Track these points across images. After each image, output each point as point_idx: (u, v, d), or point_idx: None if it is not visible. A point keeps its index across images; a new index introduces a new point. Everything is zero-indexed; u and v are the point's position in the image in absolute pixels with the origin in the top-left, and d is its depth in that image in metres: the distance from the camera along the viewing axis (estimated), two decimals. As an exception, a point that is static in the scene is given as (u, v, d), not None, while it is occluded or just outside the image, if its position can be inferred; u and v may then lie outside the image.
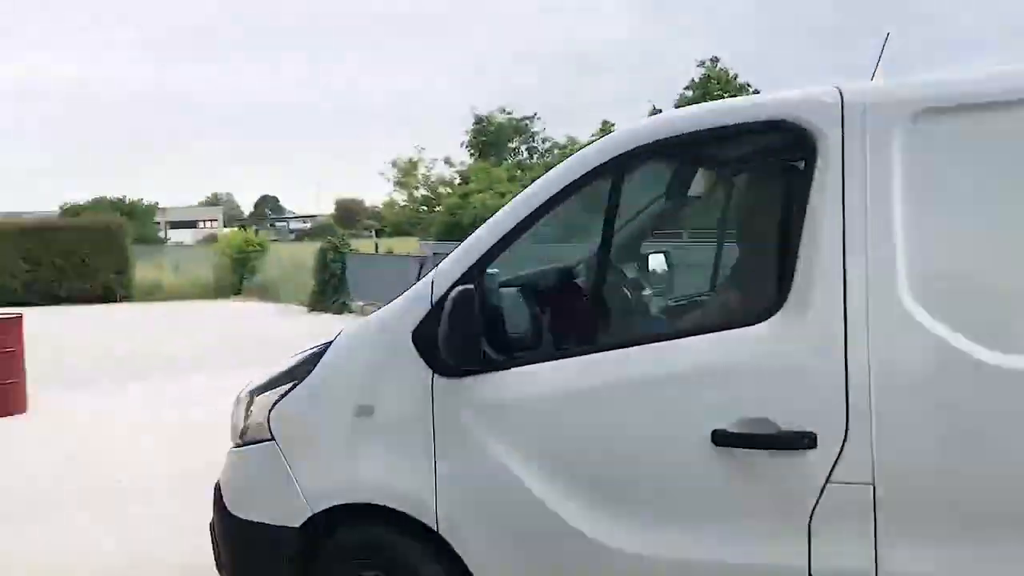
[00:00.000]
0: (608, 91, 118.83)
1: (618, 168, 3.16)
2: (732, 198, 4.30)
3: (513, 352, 3.22)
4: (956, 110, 2.76)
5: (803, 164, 2.90)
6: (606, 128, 38.57)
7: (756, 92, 32.54)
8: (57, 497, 6.80)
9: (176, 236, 73.00)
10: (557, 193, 3.23)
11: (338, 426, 3.54)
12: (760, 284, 3.09)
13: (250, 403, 3.91)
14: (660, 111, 33.15)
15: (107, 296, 27.02)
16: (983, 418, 2.61)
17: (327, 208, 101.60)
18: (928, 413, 2.67)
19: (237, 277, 28.13)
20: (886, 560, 2.69)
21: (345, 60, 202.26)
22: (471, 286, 3.16)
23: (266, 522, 3.69)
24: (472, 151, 37.44)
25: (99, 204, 51.83)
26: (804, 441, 2.74)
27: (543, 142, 39.06)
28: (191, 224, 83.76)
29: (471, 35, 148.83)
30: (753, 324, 2.88)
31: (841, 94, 2.88)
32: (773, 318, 2.85)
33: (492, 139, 37.10)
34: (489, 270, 3.35)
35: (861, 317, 2.74)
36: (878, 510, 2.68)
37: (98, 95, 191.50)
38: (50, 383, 10.90)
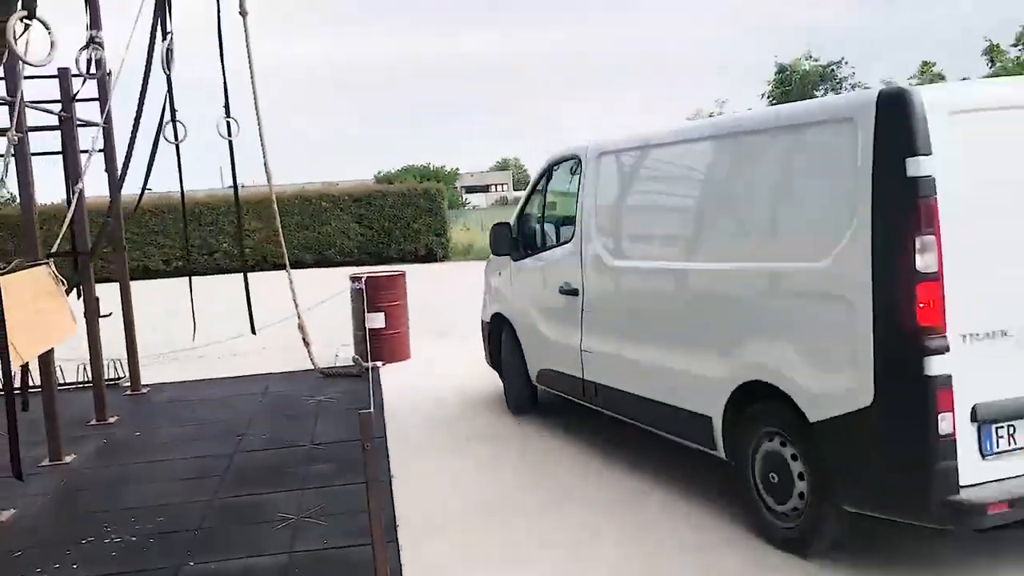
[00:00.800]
0: (927, 31, 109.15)
1: (548, 170, 7.67)
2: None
3: (527, 252, 7.74)
4: (609, 152, 6.67)
5: (579, 174, 6.97)
6: (925, 69, 35.23)
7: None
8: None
9: (471, 200, 76.87)
10: (534, 181, 7.93)
11: (492, 281, 8.50)
12: (570, 228, 7.05)
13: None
14: (996, 46, 29.75)
15: (429, 256, 29.04)
16: (611, 287, 6.49)
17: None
18: (598, 284, 6.61)
19: (544, 237, 29.07)
20: (595, 342, 6.61)
21: (633, 10, 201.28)
22: (501, 223, 8.03)
23: (484, 320, 8.73)
24: (774, 102, 35.85)
25: (408, 171, 55.64)
26: (576, 291, 6.81)
27: (852, 88, 36.52)
28: (484, 188, 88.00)
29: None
30: (567, 244, 7.03)
31: (587, 145, 6.93)
32: (570, 242, 6.97)
33: (796, 89, 35.15)
34: (537, 213, 7.78)
35: (587, 245, 6.72)
36: (604, 322, 6.54)
37: (390, 71, 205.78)
38: (419, 334, 11.81)
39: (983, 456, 4.19)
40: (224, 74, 9.78)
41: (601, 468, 6.49)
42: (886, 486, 4.34)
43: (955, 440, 4.09)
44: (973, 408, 4.16)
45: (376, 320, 10.38)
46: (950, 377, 4.08)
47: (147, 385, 9.97)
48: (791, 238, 4.81)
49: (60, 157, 8.43)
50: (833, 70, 37.53)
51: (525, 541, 5.24)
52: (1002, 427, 4.23)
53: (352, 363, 10.35)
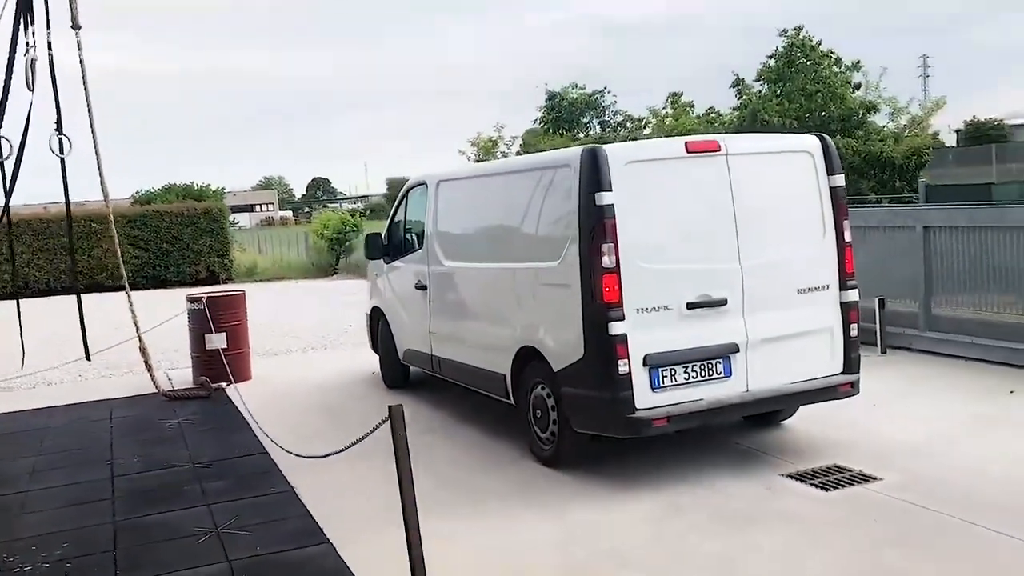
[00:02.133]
0: (691, 63, 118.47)
1: (408, 191, 9.50)
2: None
3: (394, 257, 9.55)
4: (444, 180, 8.69)
5: (431, 194, 8.74)
6: (675, 100, 38.80)
7: (839, 59, 32.53)
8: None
9: (238, 219, 74.11)
10: (398, 200, 9.69)
11: (373, 280, 10.29)
12: (421, 239, 8.88)
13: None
14: (742, 80, 33.44)
15: (211, 278, 28.01)
16: (445, 282, 8.39)
17: (377, 188, 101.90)
18: (438, 280, 8.49)
19: (334, 257, 29.02)
20: (438, 325, 8.54)
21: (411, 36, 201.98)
22: (373, 233, 10.16)
23: (367, 312, 10.46)
24: (545, 127, 38.06)
25: (171, 191, 52.74)
26: (425, 287, 8.66)
27: (615, 115, 39.63)
28: (249, 208, 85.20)
29: (547, 8, 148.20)
30: (420, 250, 8.85)
31: (433, 174, 8.94)
32: (419, 251, 8.88)
33: (565, 115, 37.50)
34: (401, 226, 9.58)
35: (431, 250, 8.58)
36: (443, 309, 8.46)
37: (144, 85, 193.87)
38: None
39: (653, 389, 6.11)
40: (55, 88, 9.42)
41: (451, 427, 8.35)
42: (594, 411, 6.25)
43: (631, 378, 6.00)
44: (645, 357, 6.06)
45: (219, 340, 10.27)
46: (626, 336, 5.99)
47: (-33, 419, 9.25)
48: (541, 244, 6.74)
49: None
50: (597, 98, 40.39)
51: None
52: (666, 370, 6.15)
53: (198, 385, 10.17)
